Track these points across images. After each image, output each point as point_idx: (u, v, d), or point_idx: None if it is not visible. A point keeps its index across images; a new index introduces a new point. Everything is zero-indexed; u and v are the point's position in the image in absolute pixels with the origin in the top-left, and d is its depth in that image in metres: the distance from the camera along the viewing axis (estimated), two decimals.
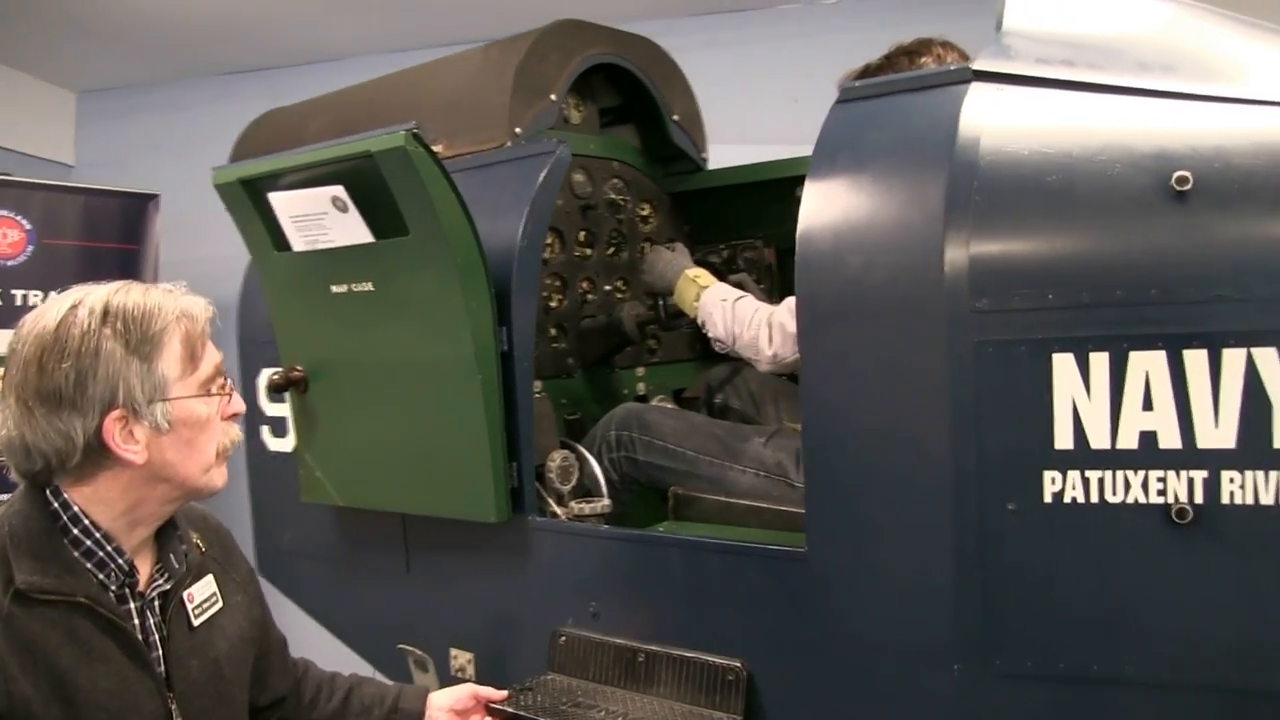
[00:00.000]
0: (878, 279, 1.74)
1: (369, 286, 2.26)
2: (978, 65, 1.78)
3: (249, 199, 2.33)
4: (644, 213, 3.06)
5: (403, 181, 2.07)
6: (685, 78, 2.99)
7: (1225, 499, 1.53)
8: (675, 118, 2.98)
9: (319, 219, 2.24)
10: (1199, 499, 1.54)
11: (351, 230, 2.21)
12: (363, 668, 2.71)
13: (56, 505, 1.51)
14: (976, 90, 1.76)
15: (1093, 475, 1.59)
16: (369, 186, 2.13)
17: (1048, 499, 1.62)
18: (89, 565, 1.51)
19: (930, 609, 1.71)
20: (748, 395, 2.73)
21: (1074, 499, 1.60)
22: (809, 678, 1.87)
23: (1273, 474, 1.51)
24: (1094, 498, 1.59)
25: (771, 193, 3.02)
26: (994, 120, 1.71)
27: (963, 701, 1.69)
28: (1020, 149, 1.66)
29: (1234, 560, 1.54)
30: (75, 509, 1.51)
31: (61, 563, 1.49)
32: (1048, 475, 1.62)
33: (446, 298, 2.15)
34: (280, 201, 2.28)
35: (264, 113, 3.15)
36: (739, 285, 2.77)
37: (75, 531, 1.51)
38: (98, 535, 1.52)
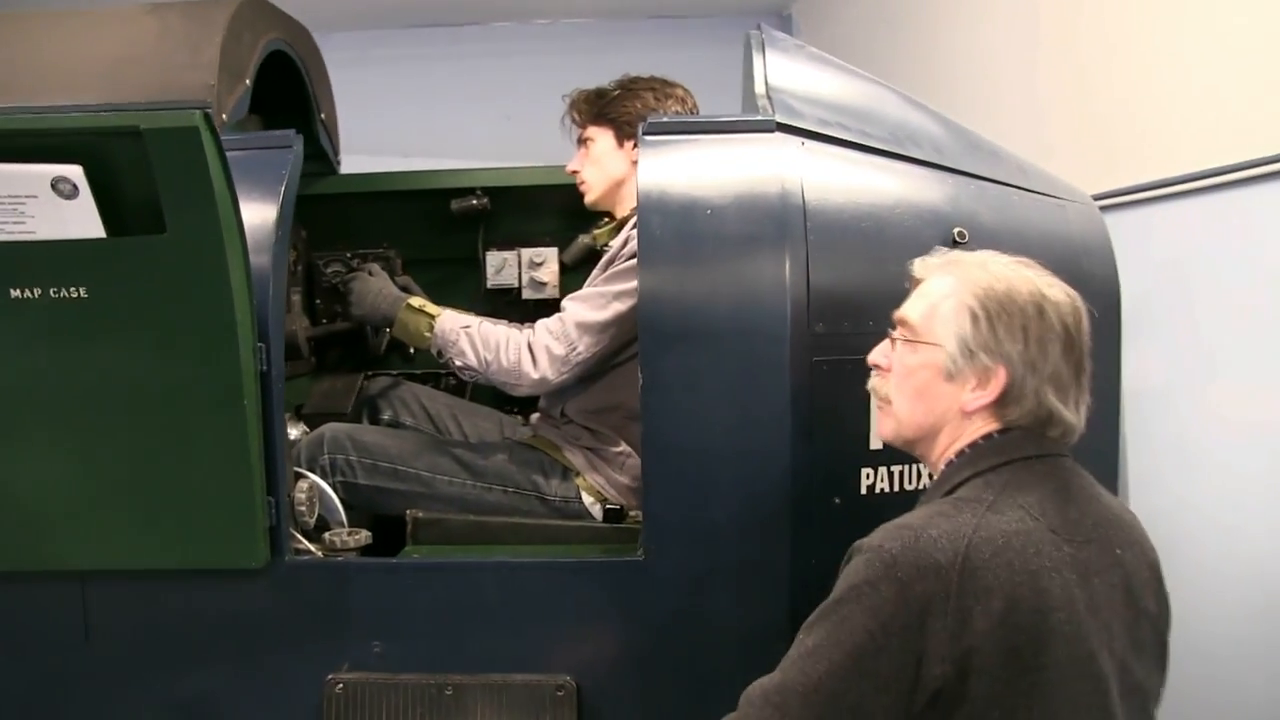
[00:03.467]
0: (724, 303, 1.92)
1: (80, 293, 1.81)
2: (779, 119, 2.05)
3: None
4: None
5: (178, 169, 1.72)
6: (329, 77, 2.81)
7: None
8: (322, 117, 2.78)
9: (17, 204, 1.74)
10: None
11: (72, 221, 1.76)
12: None
13: None
14: (782, 140, 2.03)
15: (895, 469, 1.96)
16: (116, 170, 1.73)
17: (864, 491, 1.95)
18: None
19: (769, 594, 1.94)
20: (420, 411, 2.66)
21: (882, 489, 1.96)
22: (645, 679, 1.97)
23: None
24: (896, 487, 1.96)
25: (405, 203, 2.97)
26: (808, 170, 1.99)
27: None
28: (836, 198, 1.97)
29: None
30: None
31: None
32: (864, 471, 1.95)
33: (213, 310, 1.83)
34: None
35: None
36: (405, 289, 2.70)
37: None
38: None
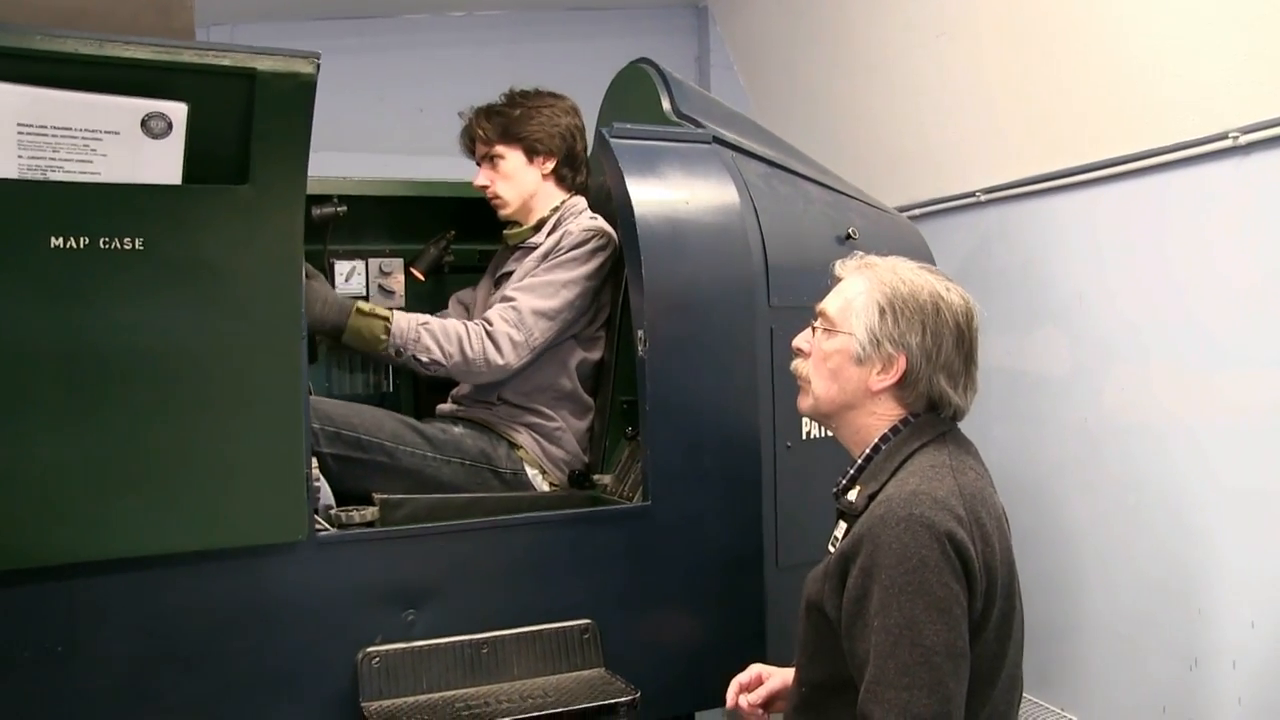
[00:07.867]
0: (707, 281, 2.25)
1: (136, 244, 1.66)
2: (714, 134, 2.43)
3: None
4: None
5: (281, 118, 1.70)
6: None
7: None
8: None
9: (92, 139, 1.59)
10: None
11: (149, 164, 1.64)
12: None
13: None
14: (722, 152, 2.41)
15: None
16: (212, 114, 1.65)
17: (804, 437, 2.37)
18: None
19: (745, 529, 2.27)
20: None
21: (816, 435, 2.39)
22: (653, 611, 2.18)
23: None
24: (825, 433, 2.40)
25: None
26: (748, 177, 2.39)
27: (769, 594, 2.29)
28: (772, 198, 2.40)
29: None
30: None
31: None
32: (803, 421, 2.37)
33: (284, 266, 1.77)
34: (13, 99, 1.52)
35: None
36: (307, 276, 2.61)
37: None
38: None
